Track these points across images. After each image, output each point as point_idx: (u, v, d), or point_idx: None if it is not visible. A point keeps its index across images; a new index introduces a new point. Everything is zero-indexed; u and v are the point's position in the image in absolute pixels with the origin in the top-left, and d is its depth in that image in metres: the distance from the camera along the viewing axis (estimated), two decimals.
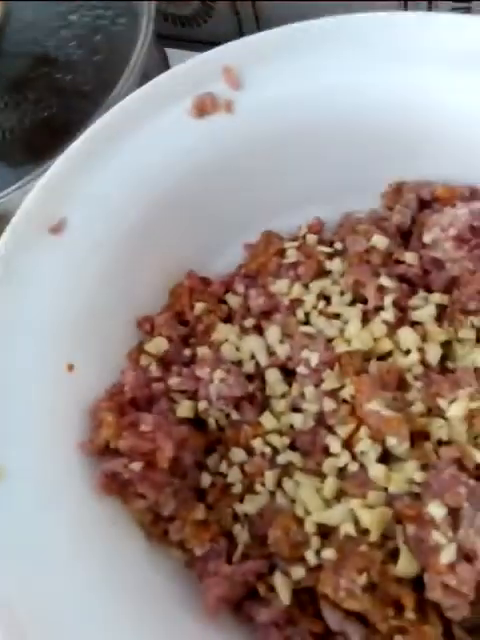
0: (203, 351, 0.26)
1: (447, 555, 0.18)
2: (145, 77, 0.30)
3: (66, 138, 0.28)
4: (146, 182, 0.25)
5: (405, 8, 0.36)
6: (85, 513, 0.21)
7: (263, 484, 0.22)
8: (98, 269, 0.25)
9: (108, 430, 0.22)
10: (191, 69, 0.25)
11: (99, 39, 0.30)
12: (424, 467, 0.20)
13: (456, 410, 0.20)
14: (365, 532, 0.20)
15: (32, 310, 0.23)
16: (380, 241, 0.25)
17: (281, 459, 0.23)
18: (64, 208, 0.24)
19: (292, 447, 0.23)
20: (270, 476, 0.22)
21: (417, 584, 0.19)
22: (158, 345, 0.25)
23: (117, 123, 0.25)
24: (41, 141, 0.30)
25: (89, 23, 0.31)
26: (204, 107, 0.25)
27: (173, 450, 0.22)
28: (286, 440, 0.23)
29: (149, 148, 0.25)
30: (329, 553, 0.20)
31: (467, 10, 0.35)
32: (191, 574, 0.22)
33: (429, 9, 0.35)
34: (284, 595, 0.20)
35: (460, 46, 0.23)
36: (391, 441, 0.20)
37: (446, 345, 0.23)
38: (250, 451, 0.23)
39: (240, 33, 0.45)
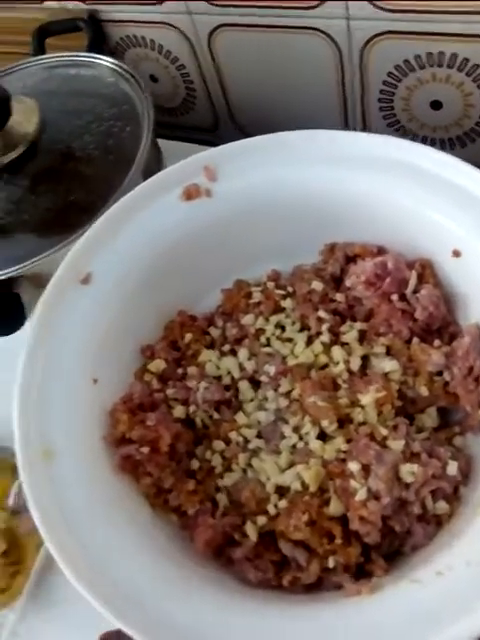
0: (192, 369, 0.34)
1: (360, 495, 0.26)
2: (146, 167, 0.41)
3: (87, 217, 0.37)
4: (149, 247, 0.35)
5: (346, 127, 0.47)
6: (106, 486, 0.29)
7: (238, 464, 0.31)
8: (113, 310, 0.34)
9: (123, 425, 0.30)
10: (181, 167, 0.36)
11: (111, 143, 0.41)
12: (348, 441, 0.29)
13: (367, 399, 0.29)
14: (308, 488, 0.28)
15: (69, 339, 0.31)
16: (318, 285, 0.34)
17: (251, 445, 0.31)
18: (90, 266, 0.33)
19: (258, 436, 0.31)
20: (242, 458, 0.30)
21: (343, 521, 0.27)
22: (158, 365, 0.34)
23: (128, 206, 0.34)
24: (68, 218, 0.40)
25: (104, 131, 0.42)
26: (190, 193, 0.35)
27: (171, 438, 0.30)
28: (254, 431, 0.31)
29: (152, 223, 0.35)
30: (283, 503, 0.28)
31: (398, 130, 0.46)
32: (184, 535, 0.30)
33: (364, 130, 0.46)
34: (252, 535, 0.28)
35: (361, 154, 0.33)
36: (324, 423, 0.29)
37: (364, 358, 0.32)
38: (227, 441, 0.32)
39: (215, 120, 0.57)
